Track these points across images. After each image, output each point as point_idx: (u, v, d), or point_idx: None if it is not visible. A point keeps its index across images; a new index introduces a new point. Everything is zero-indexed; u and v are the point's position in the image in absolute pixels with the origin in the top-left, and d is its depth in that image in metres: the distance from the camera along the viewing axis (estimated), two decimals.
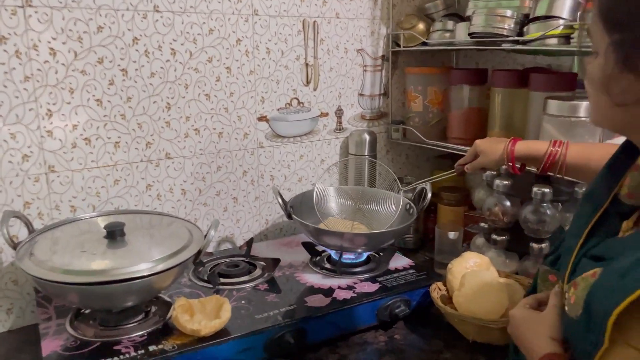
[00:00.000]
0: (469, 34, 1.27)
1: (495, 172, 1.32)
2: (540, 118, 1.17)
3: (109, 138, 1.16)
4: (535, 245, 1.20)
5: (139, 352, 0.89)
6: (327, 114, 1.48)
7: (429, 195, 1.25)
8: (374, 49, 1.52)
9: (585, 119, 1.09)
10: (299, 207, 1.29)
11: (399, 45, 1.50)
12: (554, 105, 1.13)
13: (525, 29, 1.18)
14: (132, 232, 1.01)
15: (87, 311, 1.01)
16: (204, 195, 1.32)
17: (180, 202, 1.29)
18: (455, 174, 1.14)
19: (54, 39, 1.06)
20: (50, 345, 0.91)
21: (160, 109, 1.21)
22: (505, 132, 1.31)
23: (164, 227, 1.08)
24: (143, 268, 0.90)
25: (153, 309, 1.02)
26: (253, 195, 1.40)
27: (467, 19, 1.31)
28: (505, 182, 1.25)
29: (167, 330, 0.96)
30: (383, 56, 1.54)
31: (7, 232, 0.96)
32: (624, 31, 0.55)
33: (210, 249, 1.29)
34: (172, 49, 1.20)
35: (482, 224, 1.34)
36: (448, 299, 1.14)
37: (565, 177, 1.00)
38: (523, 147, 0.98)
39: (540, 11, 1.14)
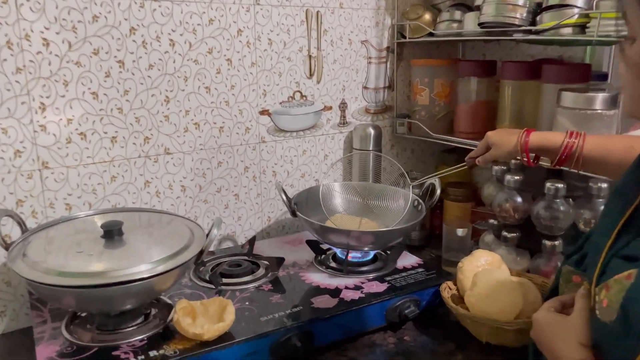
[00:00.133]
0: (479, 24, 1.22)
1: (505, 167, 1.28)
2: (554, 111, 1.13)
3: (106, 133, 1.12)
4: (548, 243, 1.16)
5: (139, 357, 0.84)
6: (330, 108, 1.43)
7: (438, 191, 1.21)
8: (379, 40, 1.47)
9: (601, 111, 1.05)
10: (303, 204, 1.24)
11: (404, 37, 1.46)
12: (568, 98, 1.08)
13: (538, 18, 1.13)
14: (130, 231, 0.97)
15: (84, 314, 0.97)
16: (204, 192, 1.27)
17: (179, 199, 1.24)
18: (465, 167, 1.10)
19: (47, 28, 1.01)
20: (45, 350, 0.87)
21: (158, 102, 1.16)
22: (516, 125, 1.26)
23: (163, 225, 1.03)
24: (143, 269, 0.86)
25: (153, 311, 0.97)
26: (255, 192, 1.35)
27: (476, 8, 1.27)
28: (517, 178, 1.21)
29: (168, 334, 0.91)
30: (388, 48, 1.50)
31: None
32: None
33: (211, 248, 1.24)
34: (171, 40, 1.15)
35: (492, 221, 1.30)
36: (459, 299, 1.10)
37: (580, 172, 0.96)
38: (538, 138, 0.94)
39: None
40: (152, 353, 0.85)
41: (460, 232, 1.29)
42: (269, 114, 1.33)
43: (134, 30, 1.10)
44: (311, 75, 1.38)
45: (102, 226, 0.93)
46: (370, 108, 1.51)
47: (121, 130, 1.13)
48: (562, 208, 1.14)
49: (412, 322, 1.08)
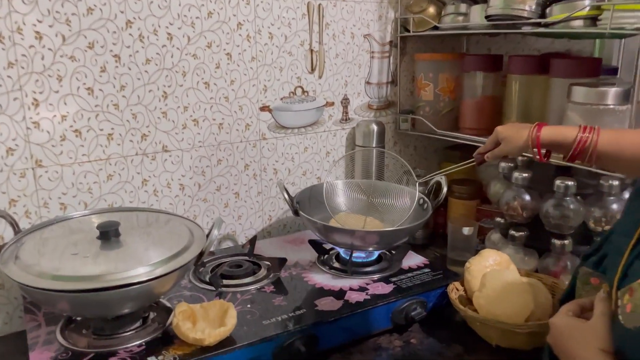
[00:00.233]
0: (486, 17, 1.19)
1: (512, 164, 1.25)
2: (563, 106, 1.10)
3: (101, 130, 1.08)
4: (557, 242, 1.13)
5: None
6: (332, 104, 1.40)
7: (445, 189, 1.18)
8: (382, 34, 1.44)
9: (613, 106, 1.02)
10: (305, 202, 1.21)
11: (408, 30, 1.42)
12: (579, 92, 1.05)
13: (547, 10, 1.10)
14: (127, 231, 0.93)
15: (80, 318, 0.93)
16: (203, 191, 1.24)
17: (178, 198, 1.21)
18: (474, 163, 1.07)
19: (39, 21, 0.98)
20: (39, 357, 0.83)
21: (156, 98, 1.13)
22: (523, 121, 1.22)
23: (161, 225, 1.00)
24: (141, 272, 0.82)
25: (151, 315, 0.94)
26: (255, 190, 1.32)
27: (482, 1, 1.23)
28: (525, 175, 1.18)
29: (167, 338, 0.88)
30: (391, 42, 1.46)
31: None
32: None
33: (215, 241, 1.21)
34: (169, 34, 1.11)
35: (498, 219, 1.27)
36: (467, 300, 1.07)
37: (593, 168, 0.93)
38: (549, 132, 0.90)
39: None
40: (151, 359, 0.82)
41: (466, 230, 1.26)
42: (270, 110, 1.30)
43: (130, 24, 1.06)
44: (313, 70, 1.34)
45: (98, 227, 0.90)
46: (373, 104, 1.48)
47: (117, 127, 1.10)
48: (572, 206, 1.11)
49: (418, 324, 1.05)
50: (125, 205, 1.14)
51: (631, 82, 1.00)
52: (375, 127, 1.38)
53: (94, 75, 1.05)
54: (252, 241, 1.21)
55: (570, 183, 1.10)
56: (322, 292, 1.04)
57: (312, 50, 1.32)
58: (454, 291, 1.06)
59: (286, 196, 1.16)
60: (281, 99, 1.30)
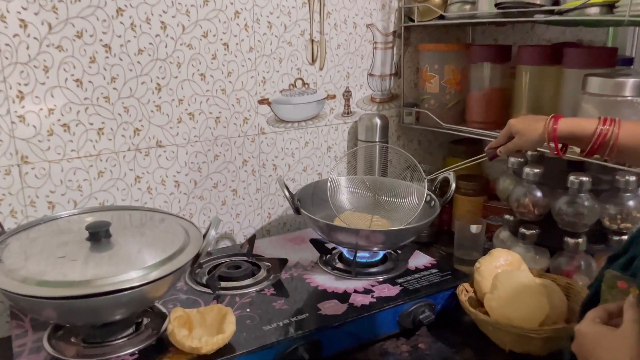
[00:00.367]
0: (496, 5, 1.13)
1: (522, 159, 1.20)
2: (577, 98, 1.05)
3: (91, 124, 1.02)
4: (570, 240, 1.08)
5: None
6: (334, 97, 1.34)
7: (453, 185, 1.13)
8: (385, 24, 1.38)
9: (631, 98, 0.97)
10: (307, 200, 1.16)
11: (412, 20, 1.37)
12: (595, 83, 1.00)
13: None
14: (119, 232, 0.87)
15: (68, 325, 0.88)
16: (199, 188, 1.18)
17: (173, 196, 1.15)
18: (485, 159, 1.01)
19: (24, 8, 0.92)
20: None
21: (149, 90, 1.07)
22: (533, 114, 1.17)
23: (156, 225, 0.94)
24: (133, 277, 0.77)
25: (145, 320, 0.88)
26: (254, 187, 1.26)
27: None
28: (536, 170, 1.13)
29: (161, 346, 0.83)
30: (394, 32, 1.40)
31: None
32: None
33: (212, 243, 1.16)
34: (162, 22, 1.05)
35: (507, 216, 1.22)
36: (477, 302, 1.02)
37: (607, 163, 0.88)
38: (567, 125, 0.85)
39: None
40: None
41: (474, 228, 1.21)
42: (269, 103, 1.24)
43: (121, 11, 1.00)
44: (313, 61, 1.28)
45: (88, 227, 0.84)
46: (376, 97, 1.42)
47: (108, 121, 1.04)
48: (586, 203, 1.06)
49: (426, 328, 1.00)
50: (117, 204, 1.08)
51: None
52: (378, 121, 1.33)
53: (82, 66, 0.99)
54: (251, 240, 1.15)
55: (584, 179, 1.05)
56: (325, 294, 0.99)
57: (312, 41, 1.27)
58: (464, 293, 1.01)
59: (287, 193, 1.10)
60: (280, 91, 1.25)
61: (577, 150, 0.87)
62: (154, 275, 0.78)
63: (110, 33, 1.00)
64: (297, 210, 1.09)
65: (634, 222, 1.04)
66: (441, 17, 1.30)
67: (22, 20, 0.92)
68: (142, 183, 1.10)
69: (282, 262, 1.06)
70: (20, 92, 0.94)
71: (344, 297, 0.98)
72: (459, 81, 1.35)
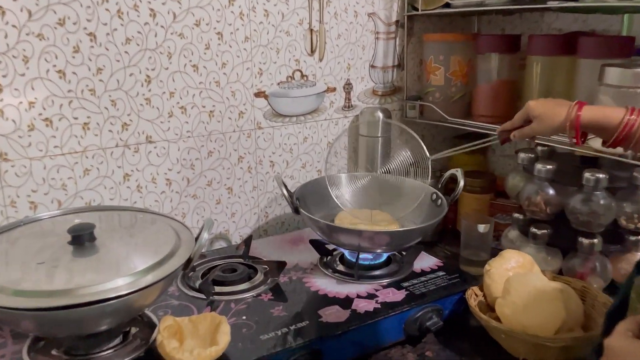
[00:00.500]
0: None
1: (532, 155, 1.14)
2: (592, 89, 1.00)
3: (76, 118, 0.96)
4: (585, 240, 1.02)
5: None
6: (334, 89, 1.28)
7: (462, 183, 1.07)
8: (387, 13, 1.31)
9: None
10: (306, 198, 1.10)
11: (416, 9, 1.30)
12: (613, 74, 0.94)
13: None
14: (104, 235, 0.81)
15: None
16: (193, 186, 1.12)
17: (164, 195, 1.09)
18: (495, 141, 0.95)
19: None
20: None
21: (138, 82, 1.01)
22: None
23: (145, 227, 0.88)
24: (119, 284, 0.70)
25: (133, 330, 0.82)
26: (250, 185, 1.20)
27: None
28: (549, 167, 1.07)
29: (150, 358, 0.77)
30: (397, 21, 1.34)
31: None
32: None
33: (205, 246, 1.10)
34: (151, 10, 0.99)
35: (517, 215, 1.16)
36: (487, 307, 0.96)
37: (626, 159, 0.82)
38: (592, 113, 0.79)
39: None
40: None
41: (481, 228, 1.15)
42: (266, 97, 1.18)
43: None
44: (313, 52, 1.22)
45: (70, 230, 0.77)
46: (378, 89, 1.36)
47: (94, 115, 0.97)
48: (602, 202, 1.00)
49: (433, 334, 0.94)
50: (104, 203, 1.02)
51: None
52: (381, 115, 1.26)
53: (65, 57, 0.92)
54: (247, 241, 1.09)
55: (601, 176, 0.99)
56: (326, 299, 0.93)
57: (311, 30, 1.20)
58: (473, 297, 0.96)
59: (285, 192, 1.04)
60: (278, 84, 1.18)
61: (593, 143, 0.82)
62: (142, 282, 0.72)
63: (95, 20, 0.94)
64: (296, 210, 1.03)
65: None
66: (446, 5, 1.24)
67: None
68: (131, 181, 1.04)
69: (280, 265, 1.00)
70: None
71: (346, 302, 0.92)
72: (465, 73, 1.29)
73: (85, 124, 0.97)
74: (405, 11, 1.33)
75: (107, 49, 0.96)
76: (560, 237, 1.09)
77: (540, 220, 1.10)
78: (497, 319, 0.90)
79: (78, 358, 0.76)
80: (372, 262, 1.04)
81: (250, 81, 1.15)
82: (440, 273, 1.03)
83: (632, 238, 1.02)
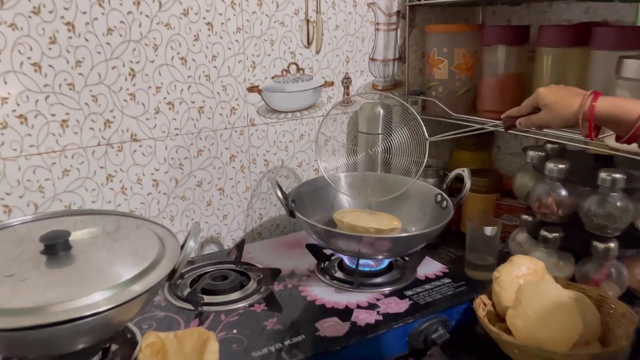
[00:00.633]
0: None
1: (542, 153, 1.07)
2: (608, 83, 0.93)
3: (53, 115, 0.89)
4: (600, 245, 0.96)
5: None
6: (332, 84, 1.21)
7: (468, 183, 1.00)
8: (388, 2, 1.24)
9: None
10: (303, 200, 1.03)
11: None
12: (632, 66, 0.88)
13: None
14: (82, 243, 0.74)
15: None
16: (181, 187, 1.05)
17: (151, 196, 1.02)
18: (499, 128, 0.89)
19: None
20: None
21: (121, 76, 0.94)
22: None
23: (126, 233, 0.81)
24: (97, 300, 0.64)
25: (113, 347, 0.76)
26: (243, 185, 1.13)
27: None
28: (561, 166, 1.00)
29: None
30: (398, 12, 1.27)
31: None
32: None
33: (190, 255, 1.03)
34: None
35: (525, 216, 1.09)
36: (495, 317, 0.90)
37: None
38: (608, 104, 0.73)
39: None
40: None
41: (488, 230, 1.08)
42: (259, 91, 1.11)
43: None
44: (309, 44, 1.15)
45: (43, 238, 0.71)
46: (378, 84, 1.29)
47: (74, 111, 0.90)
48: (619, 203, 0.93)
49: (439, 347, 0.88)
50: (86, 207, 0.95)
51: None
52: (381, 111, 1.20)
53: (41, 48, 0.85)
54: (240, 246, 1.02)
55: (618, 176, 0.92)
56: (324, 310, 0.86)
57: (308, 21, 1.13)
58: (481, 307, 0.89)
59: (279, 194, 0.97)
60: (272, 77, 1.12)
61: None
62: (121, 297, 0.65)
63: (73, 9, 0.86)
64: (291, 214, 0.97)
65: None
66: None
67: None
68: (114, 182, 0.97)
69: (275, 273, 0.94)
70: None
71: (345, 314, 0.85)
72: (471, 66, 1.22)
73: (63, 121, 0.90)
74: (406, 1, 1.26)
75: (87, 40, 0.89)
76: (572, 241, 1.02)
77: (551, 222, 1.04)
78: (507, 330, 0.84)
79: None
80: (373, 269, 0.97)
81: (243, 75, 1.08)
82: (446, 280, 0.96)
83: None
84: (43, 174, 0.90)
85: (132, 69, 0.95)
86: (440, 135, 1.01)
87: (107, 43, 0.91)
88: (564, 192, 1.01)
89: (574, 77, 1.05)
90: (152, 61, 0.96)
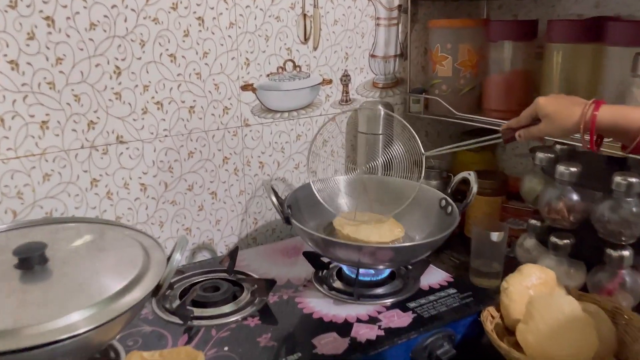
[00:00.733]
0: None
1: (552, 155, 1.02)
2: (625, 82, 0.88)
3: (32, 116, 0.83)
4: (613, 253, 0.91)
5: None
6: (330, 82, 1.16)
7: (475, 188, 0.95)
8: None
9: None
10: (300, 203, 0.98)
11: None
12: None
13: None
14: (60, 255, 0.69)
15: None
16: (171, 191, 1.00)
17: (139, 202, 0.96)
18: (499, 140, 0.85)
19: None
20: None
21: (106, 74, 0.88)
22: None
23: (109, 244, 0.75)
24: (75, 320, 0.59)
25: None
26: (237, 189, 1.08)
27: None
28: (573, 170, 0.95)
29: None
30: (400, 6, 1.22)
31: None
32: None
33: (182, 262, 0.98)
34: None
35: (533, 221, 1.04)
36: (504, 330, 0.85)
37: None
38: (610, 113, 0.70)
39: None
40: None
41: (494, 236, 1.03)
42: (254, 90, 1.06)
43: None
44: (306, 39, 1.09)
45: (16, 252, 0.65)
46: (379, 81, 1.24)
47: (54, 112, 0.85)
48: (635, 209, 0.88)
49: None
50: (69, 213, 0.90)
51: None
52: (382, 110, 1.14)
53: (18, 44, 0.80)
54: (233, 255, 0.97)
55: (634, 180, 0.87)
56: (322, 325, 0.81)
57: (305, 15, 1.08)
58: (489, 320, 0.84)
59: (274, 200, 0.92)
60: (267, 75, 1.06)
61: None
62: (101, 317, 0.60)
63: (52, 3, 0.81)
64: (287, 220, 0.91)
65: None
66: None
67: None
68: (99, 187, 0.92)
69: (270, 284, 0.89)
70: None
71: (344, 328, 0.80)
72: (476, 63, 1.17)
73: (43, 122, 0.84)
74: None
75: (68, 36, 0.83)
76: (584, 248, 0.97)
77: (561, 228, 0.98)
78: (517, 345, 0.79)
79: None
80: (374, 279, 0.92)
81: (236, 73, 1.02)
82: (451, 290, 0.91)
83: None
84: (22, 179, 0.84)
85: (117, 67, 0.89)
86: (436, 150, 0.96)
87: (90, 39, 0.85)
88: (575, 197, 0.95)
89: (586, 75, 1.00)
90: (139, 58, 0.91)
